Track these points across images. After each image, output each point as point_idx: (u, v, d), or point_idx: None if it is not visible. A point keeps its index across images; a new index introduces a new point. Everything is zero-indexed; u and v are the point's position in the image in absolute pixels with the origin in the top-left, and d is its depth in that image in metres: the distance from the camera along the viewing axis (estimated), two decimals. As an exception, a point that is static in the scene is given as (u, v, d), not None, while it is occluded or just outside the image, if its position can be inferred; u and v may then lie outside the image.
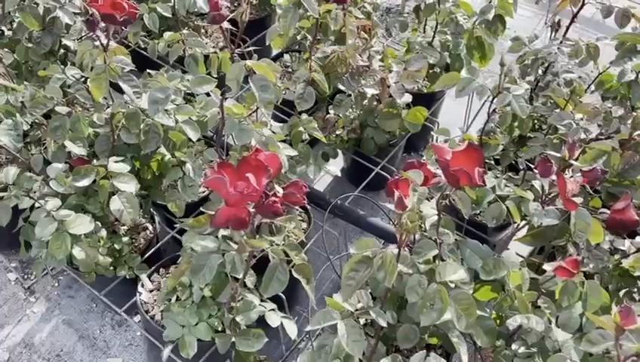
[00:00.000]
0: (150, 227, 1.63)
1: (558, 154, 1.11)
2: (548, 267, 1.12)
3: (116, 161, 1.37)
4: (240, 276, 1.07)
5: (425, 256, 1.06)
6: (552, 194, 1.12)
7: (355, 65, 1.49)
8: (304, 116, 1.49)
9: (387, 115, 1.68)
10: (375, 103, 1.72)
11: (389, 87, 1.58)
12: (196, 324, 1.26)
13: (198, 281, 1.01)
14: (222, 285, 1.21)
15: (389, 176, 1.83)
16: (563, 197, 1.02)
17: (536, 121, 1.66)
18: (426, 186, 1.15)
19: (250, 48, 1.25)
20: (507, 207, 1.23)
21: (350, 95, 1.61)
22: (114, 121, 1.36)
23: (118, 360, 1.67)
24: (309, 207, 1.62)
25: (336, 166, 1.78)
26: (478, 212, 1.54)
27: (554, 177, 1.06)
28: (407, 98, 1.66)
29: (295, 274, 0.99)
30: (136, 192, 1.41)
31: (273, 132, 1.53)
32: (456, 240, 1.19)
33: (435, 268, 1.02)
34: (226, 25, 1.10)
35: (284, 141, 1.51)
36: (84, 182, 1.30)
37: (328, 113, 1.81)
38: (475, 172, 0.99)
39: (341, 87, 1.60)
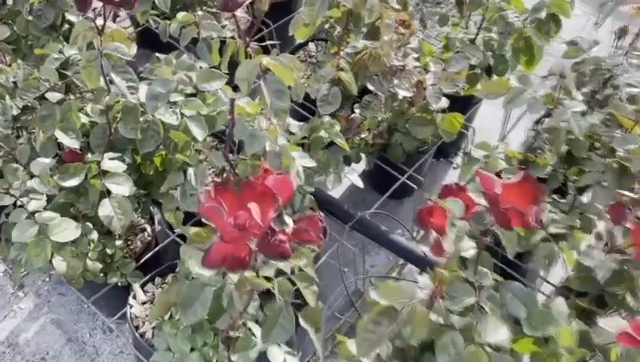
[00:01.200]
0: (149, 228, 1.48)
1: (633, 195, 0.93)
2: (604, 324, 0.94)
3: (112, 158, 1.21)
4: (238, 312, 0.91)
5: (461, 304, 0.89)
6: (620, 244, 0.93)
7: (389, 64, 1.30)
8: (327, 118, 1.32)
9: (420, 121, 1.50)
10: (406, 106, 1.53)
11: (424, 89, 1.39)
12: (191, 350, 1.11)
13: (187, 318, 0.85)
14: (219, 310, 1.06)
15: (414, 186, 1.65)
16: (637, 249, 0.84)
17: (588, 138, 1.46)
18: (466, 217, 0.97)
19: (271, 42, 1.07)
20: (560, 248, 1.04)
21: (379, 96, 1.42)
22: (111, 113, 1.20)
23: (107, 368, 1.53)
24: (322, 214, 1.46)
25: (356, 169, 1.60)
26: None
27: (628, 225, 0.87)
28: (444, 103, 1.47)
29: (302, 322, 0.82)
30: (135, 192, 1.26)
31: (291, 132, 1.37)
32: (495, 280, 1.02)
33: (473, 325, 0.84)
34: (240, 12, 0.92)
35: (302, 145, 1.34)
36: (72, 182, 1.15)
37: (353, 112, 1.63)
38: (532, 212, 0.82)
39: (370, 87, 1.41)
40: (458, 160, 2.05)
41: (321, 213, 1.47)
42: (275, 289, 0.83)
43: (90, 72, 1.04)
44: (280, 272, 0.88)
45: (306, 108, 1.65)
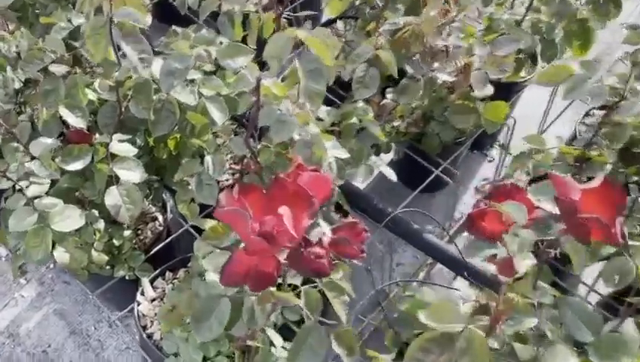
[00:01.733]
0: (160, 217, 1.36)
1: None
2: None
3: (121, 140, 1.09)
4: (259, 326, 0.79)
5: (519, 327, 0.76)
6: None
7: (432, 44, 1.16)
8: (360, 104, 1.18)
9: (460, 109, 1.35)
10: (445, 92, 1.39)
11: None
12: (204, 360, 1.00)
13: (202, 335, 0.73)
14: (236, 316, 0.94)
15: (447, 180, 1.51)
16: None
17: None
18: (527, 224, 0.84)
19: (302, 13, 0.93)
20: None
21: (419, 80, 1.28)
22: (122, 90, 1.08)
23: (112, 365, 1.43)
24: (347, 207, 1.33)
25: (383, 159, 1.46)
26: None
27: None
28: (489, 90, 1.32)
29: (335, 345, 0.70)
30: (146, 177, 1.14)
31: (319, 118, 1.23)
32: (554, 296, 0.89)
33: (539, 355, 0.71)
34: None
35: (330, 132, 1.21)
36: (76, 166, 1.03)
37: (384, 98, 1.49)
38: (617, 224, 0.68)
39: (408, 69, 1.27)
40: (494, 153, 1.90)
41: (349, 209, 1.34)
42: (303, 306, 0.70)
43: (98, 42, 0.92)
44: (307, 279, 0.76)
45: (332, 91, 1.51)
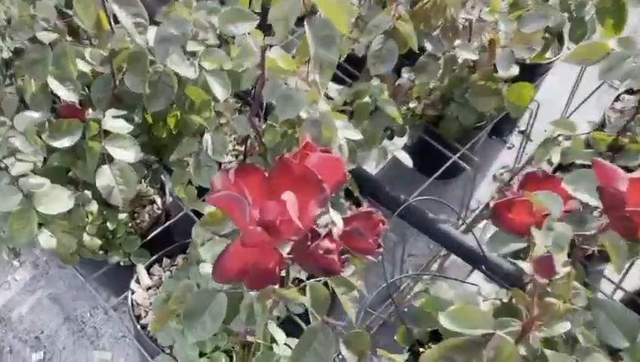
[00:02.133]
0: (159, 200, 1.28)
1: None
2: None
3: (115, 116, 1.01)
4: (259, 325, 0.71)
5: (551, 332, 0.67)
6: None
7: (455, 17, 1.06)
8: (375, 81, 1.09)
9: (482, 90, 1.26)
10: (467, 72, 1.29)
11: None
12: (200, 355, 0.92)
13: (195, 333, 0.65)
14: (234, 313, 0.86)
15: (464, 166, 1.42)
16: None
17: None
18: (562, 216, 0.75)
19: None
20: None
21: (439, 58, 1.18)
22: (116, 61, 0.99)
23: (107, 354, 1.36)
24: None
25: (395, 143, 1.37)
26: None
27: None
28: (515, 70, 1.23)
29: (344, 350, 0.61)
30: (144, 157, 1.06)
31: (329, 97, 1.14)
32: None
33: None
34: None
35: (342, 112, 1.12)
36: (65, 142, 0.94)
37: (399, 77, 1.39)
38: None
39: (427, 46, 1.17)
40: (513, 139, 1.80)
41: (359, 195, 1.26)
42: (308, 304, 0.62)
43: (87, 5, 0.83)
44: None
45: (342, 69, 1.42)
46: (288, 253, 0.50)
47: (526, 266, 0.60)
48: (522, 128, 1.78)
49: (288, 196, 0.48)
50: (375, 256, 0.53)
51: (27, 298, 1.43)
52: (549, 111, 1.48)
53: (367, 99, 1.08)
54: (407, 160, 1.15)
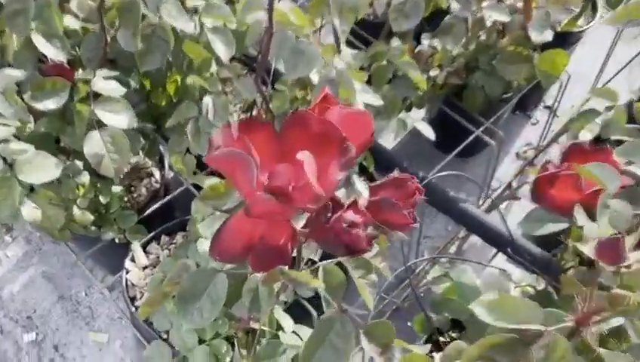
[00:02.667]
0: (157, 173, 1.19)
1: None
2: None
3: (107, 77, 0.91)
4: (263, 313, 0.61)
5: (604, 327, 0.58)
6: None
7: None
8: (395, 43, 0.98)
9: (512, 57, 1.15)
10: (495, 37, 1.18)
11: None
12: (199, 342, 0.84)
13: (191, 319, 0.56)
14: (237, 292, 0.76)
15: (489, 140, 1.32)
16: None
17: None
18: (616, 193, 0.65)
19: None
20: None
21: (466, 19, 1.07)
22: (107, 17, 0.89)
23: (102, 335, 1.28)
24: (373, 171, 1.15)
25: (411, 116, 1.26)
26: None
27: None
28: (548, 35, 1.11)
29: (364, 343, 0.52)
30: (141, 125, 0.97)
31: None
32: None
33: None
34: None
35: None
36: (49, 104, 0.84)
37: (420, 43, 1.28)
38: None
39: (453, 5, 1.06)
40: (537, 115, 1.69)
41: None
42: (322, 290, 0.52)
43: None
44: (327, 253, 0.58)
45: (357, 36, 1.31)
46: (303, 227, 0.40)
47: (587, 249, 0.50)
48: (548, 103, 1.67)
49: (305, 156, 0.38)
50: (408, 232, 0.43)
51: (19, 275, 1.35)
52: (575, 87, 1.37)
53: (385, 62, 0.97)
54: (429, 131, 1.05)
